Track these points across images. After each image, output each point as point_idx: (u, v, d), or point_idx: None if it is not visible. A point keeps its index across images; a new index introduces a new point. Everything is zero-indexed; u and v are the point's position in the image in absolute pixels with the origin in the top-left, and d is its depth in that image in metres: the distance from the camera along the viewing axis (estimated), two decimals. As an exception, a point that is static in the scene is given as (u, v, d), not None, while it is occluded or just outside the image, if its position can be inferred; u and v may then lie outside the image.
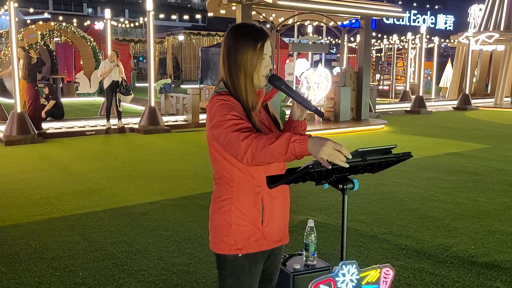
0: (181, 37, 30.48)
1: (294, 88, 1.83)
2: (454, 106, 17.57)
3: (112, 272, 3.54)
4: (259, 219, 1.80)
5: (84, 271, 3.54)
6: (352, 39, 20.86)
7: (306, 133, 1.68)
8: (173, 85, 14.59)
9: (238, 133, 1.59)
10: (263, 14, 10.86)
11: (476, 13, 22.53)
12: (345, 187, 1.65)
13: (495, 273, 3.50)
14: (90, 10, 54.02)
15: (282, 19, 11.25)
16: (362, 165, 1.59)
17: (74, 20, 19.22)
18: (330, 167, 1.46)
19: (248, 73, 1.75)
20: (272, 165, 1.78)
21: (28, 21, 20.50)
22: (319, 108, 1.86)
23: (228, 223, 1.79)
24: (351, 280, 1.66)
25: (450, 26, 60.04)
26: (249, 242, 1.80)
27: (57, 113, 11.36)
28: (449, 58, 26.66)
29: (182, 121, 11.91)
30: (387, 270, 1.74)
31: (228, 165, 1.78)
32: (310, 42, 11.22)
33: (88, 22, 22.23)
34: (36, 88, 9.94)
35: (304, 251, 2.57)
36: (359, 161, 1.55)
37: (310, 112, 1.83)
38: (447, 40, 24.28)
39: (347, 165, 1.48)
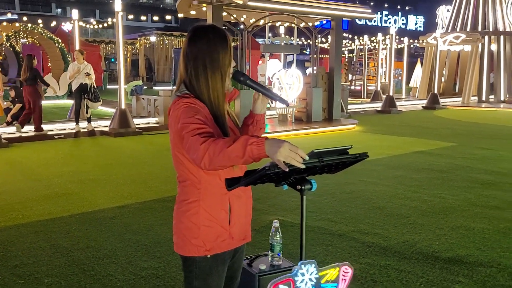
0: (153, 38, 30.18)
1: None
2: (424, 105, 17.96)
3: (79, 278, 3.48)
4: (226, 220, 1.82)
5: (50, 278, 3.47)
6: (323, 40, 21.08)
7: (263, 135, 1.70)
8: (144, 87, 14.45)
9: (198, 137, 1.60)
10: (234, 15, 10.87)
11: (443, 14, 23.09)
12: (303, 187, 1.67)
13: (457, 267, 3.60)
14: (59, 10, 52.92)
15: (253, 20, 11.27)
16: (319, 166, 1.62)
17: (39, 21, 18.74)
18: (287, 169, 1.48)
19: (224, 73, 1.77)
20: (236, 166, 1.79)
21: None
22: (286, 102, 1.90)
23: (196, 225, 1.79)
24: (310, 279, 1.68)
25: (420, 27, 61.28)
26: (217, 243, 1.82)
27: (24, 117, 11.08)
28: (419, 58, 27.23)
29: (154, 123, 11.81)
30: (345, 268, 1.77)
31: (194, 168, 1.77)
32: (282, 43, 11.29)
33: (55, 22, 21.75)
34: (38, 90, 10.09)
35: (269, 252, 2.59)
36: (315, 162, 1.58)
37: (274, 103, 1.89)
38: (417, 41, 24.79)
39: (303, 166, 1.50)
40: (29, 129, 10.38)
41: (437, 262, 3.69)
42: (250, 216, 1.97)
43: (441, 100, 18.32)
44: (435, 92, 18.04)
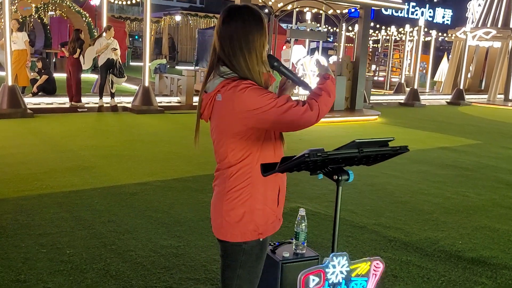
0: (178, 18, 30.11)
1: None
2: (448, 100, 17.62)
3: (100, 251, 3.52)
4: (276, 201, 1.83)
5: (71, 249, 3.52)
6: (350, 28, 20.75)
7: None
8: (168, 66, 14.45)
9: (298, 107, 1.67)
10: (263, -2, 10.74)
11: (475, 8, 22.48)
12: (340, 178, 1.63)
13: (481, 268, 3.53)
14: (86, -15, 53.08)
15: (281, 4, 11.13)
16: (358, 157, 1.57)
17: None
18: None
19: (259, 55, 1.73)
20: (280, 154, 1.83)
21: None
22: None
23: (250, 209, 1.77)
24: (341, 272, 1.66)
25: (447, 20, 59.86)
26: (268, 225, 1.82)
27: (49, 88, 11.23)
28: (445, 53, 26.67)
29: (176, 102, 11.83)
30: (377, 263, 1.74)
31: (248, 151, 1.73)
32: (308, 29, 11.14)
33: (82, -4, 21.85)
34: (79, 61, 10.37)
35: (294, 240, 2.57)
36: (355, 152, 1.54)
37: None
38: (445, 34, 24.24)
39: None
40: (53, 101, 10.51)
41: (460, 262, 3.63)
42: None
43: (466, 97, 17.95)
44: (461, 87, 17.67)
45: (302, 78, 1.85)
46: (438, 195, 5.41)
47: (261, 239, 1.82)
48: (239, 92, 1.66)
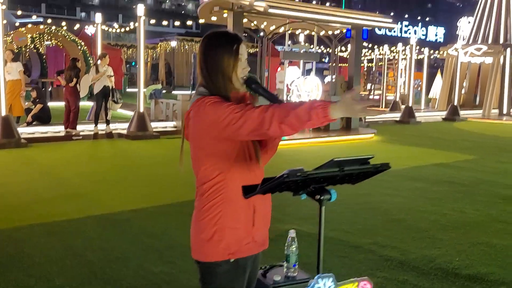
0: (173, 43, 30.43)
1: (270, 91, 1.81)
2: (443, 117, 17.68)
3: (89, 280, 3.45)
4: (251, 221, 1.80)
5: (61, 279, 3.45)
6: (343, 48, 20.98)
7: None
8: (163, 91, 14.52)
9: (255, 109, 1.60)
10: (255, 22, 10.86)
11: (465, 25, 22.79)
12: (322, 197, 1.61)
13: (479, 285, 3.47)
14: (83, 14, 53.85)
15: (273, 27, 11.26)
16: (340, 175, 1.55)
17: (63, 24, 19.07)
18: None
19: (226, 75, 1.78)
20: (257, 173, 1.80)
21: (17, 24, 20.35)
22: None
23: (221, 227, 1.76)
24: (327, 294, 1.61)
25: (440, 38, 60.69)
26: (241, 246, 1.79)
27: (44, 117, 11.24)
28: (439, 69, 26.90)
29: (172, 127, 11.83)
30: (364, 284, 1.70)
31: (219, 169, 1.75)
32: (301, 51, 11.23)
33: (78, 25, 22.11)
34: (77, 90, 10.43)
35: (285, 262, 2.52)
36: (336, 171, 1.51)
37: None
38: (437, 52, 24.50)
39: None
40: (48, 130, 10.50)
41: (457, 279, 3.57)
42: (269, 221, 1.95)
43: (461, 112, 18.02)
44: (455, 103, 17.75)
45: (282, 100, 1.82)
46: (435, 212, 5.36)
47: (231, 260, 1.78)
48: (203, 105, 1.72)
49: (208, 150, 1.76)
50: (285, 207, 5.31)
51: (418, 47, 20.89)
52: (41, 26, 18.16)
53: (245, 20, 10.37)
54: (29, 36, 17.52)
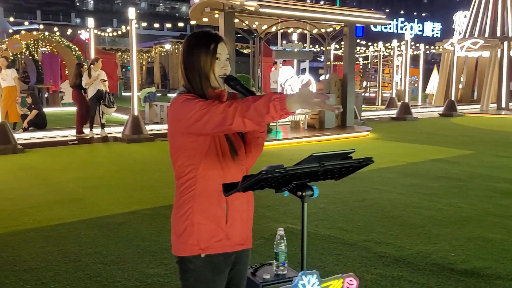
0: (167, 46, 30.41)
1: (251, 89, 1.81)
2: (440, 112, 17.68)
3: (85, 284, 3.44)
4: (223, 218, 1.80)
5: (56, 283, 3.45)
6: (337, 46, 20.97)
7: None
8: (158, 94, 14.51)
9: (217, 105, 1.62)
10: (246, 22, 10.86)
11: (461, 19, 22.79)
12: (304, 194, 1.60)
13: (474, 280, 3.46)
14: (78, 20, 53.82)
15: (265, 26, 11.25)
16: (321, 171, 1.54)
17: (55, 29, 19.08)
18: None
19: (203, 74, 1.80)
20: (233, 170, 1.80)
21: (11, 31, 20.33)
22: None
23: (191, 223, 1.79)
24: (312, 291, 1.60)
25: (437, 33, 60.70)
26: (212, 242, 1.79)
27: (40, 123, 11.24)
28: (435, 65, 26.91)
29: (166, 129, 11.79)
30: (350, 280, 1.69)
31: (190, 165, 1.79)
32: (294, 50, 11.22)
33: (70, 31, 22.11)
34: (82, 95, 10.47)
35: (274, 261, 2.51)
36: (316, 166, 1.50)
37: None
38: (433, 47, 24.50)
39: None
40: (44, 135, 10.49)
41: (453, 274, 3.56)
42: (251, 220, 1.92)
43: (459, 107, 18.02)
44: (452, 99, 17.76)
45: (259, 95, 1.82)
46: (430, 207, 5.35)
47: (202, 255, 1.78)
48: (176, 103, 1.76)
49: (180, 146, 1.80)
50: (280, 206, 5.30)
51: (413, 43, 20.91)
52: (35, 33, 18.14)
53: (236, 20, 10.36)
54: (24, 42, 17.50)
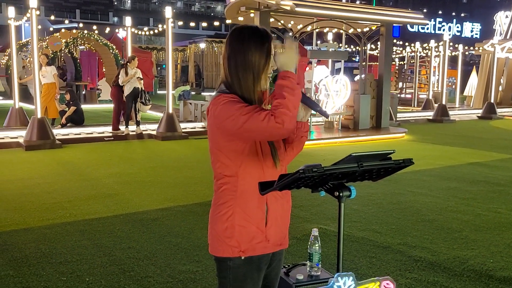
0: (202, 45, 30.70)
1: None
2: (479, 115, 17.14)
3: (118, 278, 3.50)
4: (263, 221, 1.78)
5: (91, 276, 3.52)
6: (373, 46, 20.65)
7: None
8: (192, 92, 14.65)
9: (260, 114, 1.63)
10: (282, 21, 10.82)
11: (502, 20, 22.02)
12: (341, 194, 1.57)
13: (514, 288, 3.33)
14: (115, 19, 55.07)
15: (300, 26, 11.18)
16: (359, 171, 1.51)
17: (94, 27, 19.55)
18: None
19: (256, 74, 1.76)
20: (273, 172, 1.78)
21: (51, 29, 20.96)
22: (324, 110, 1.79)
23: (231, 225, 1.77)
24: (347, 293, 1.57)
25: (476, 34, 59.01)
26: (252, 244, 1.77)
27: (77, 119, 11.53)
28: (474, 66, 26.12)
29: (200, 128, 11.93)
30: (387, 283, 1.65)
31: (232, 165, 1.76)
32: (330, 50, 11.11)
33: (108, 29, 22.62)
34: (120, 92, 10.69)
35: (308, 261, 2.48)
36: (354, 166, 1.47)
37: (315, 113, 1.79)
38: (472, 48, 23.79)
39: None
40: (81, 131, 10.77)
41: (491, 281, 3.44)
42: (288, 221, 1.91)
43: (498, 110, 17.43)
44: (492, 101, 17.19)
45: (311, 98, 1.81)
46: (468, 212, 5.19)
47: (242, 257, 1.77)
48: (217, 103, 1.72)
49: (221, 147, 1.77)
50: (312, 206, 5.26)
51: (452, 44, 20.35)
52: (74, 31, 18.65)
53: (271, 20, 10.34)
54: (63, 41, 18.02)
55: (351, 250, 4.01)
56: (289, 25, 11.26)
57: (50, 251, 3.99)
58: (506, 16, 21.73)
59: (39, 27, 9.92)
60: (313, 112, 1.84)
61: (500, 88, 21.56)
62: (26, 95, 16.58)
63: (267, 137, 1.66)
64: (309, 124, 1.85)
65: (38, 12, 9.28)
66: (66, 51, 19.42)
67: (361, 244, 4.17)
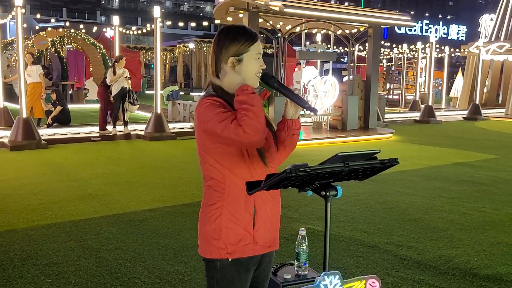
0: (191, 45, 30.63)
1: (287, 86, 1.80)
2: (464, 116, 17.36)
3: (105, 279, 3.48)
4: (251, 223, 1.78)
5: (77, 278, 3.49)
6: (361, 47, 20.80)
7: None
8: (180, 92, 14.60)
9: (230, 123, 1.65)
10: (270, 22, 10.84)
11: (487, 23, 22.33)
12: (327, 194, 1.58)
13: (497, 286, 3.38)
14: (103, 18, 54.66)
15: (289, 26, 11.22)
16: (345, 171, 1.52)
17: (81, 26, 19.39)
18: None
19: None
20: (259, 172, 1.78)
21: (37, 28, 20.75)
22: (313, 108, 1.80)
23: (218, 226, 1.77)
24: (334, 292, 1.58)
25: (462, 36, 59.72)
26: (240, 246, 1.78)
27: (64, 119, 11.43)
28: (460, 68, 26.43)
29: (189, 128, 11.90)
30: (372, 281, 1.66)
31: (219, 167, 1.76)
32: (318, 50, 11.16)
33: (96, 28, 22.44)
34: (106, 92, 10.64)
35: (295, 261, 2.49)
36: (340, 166, 1.49)
37: (304, 110, 1.80)
38: (458, 50, 24.08)
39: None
40: (67, 131, 10.67)
41: (475, 279, 3.49)
42: (278, 223, 1.91)
43: (483, 111, 17.66)
44: (477, 102, 17.41)
45: (299, 95, 1.82)
46: (453, 211, 5.26)
47: (230, 259, 1.77)
48: (200, 106, 1.75)
49: (208, 149, 1.78)
50: (301, 206, 5.28)
51: (438, 46, 20.56)
52: (61, 30, 18.48)
53: (260, 20, 10.36)
54: (49, 39, 17.84)
55: (339, 250, 4.04)
56: (278, 26, 11.29)
57: (36, 253, 3.95)
58: (491, 19, 22.05)
59: (25, 25, 9.82)
60: (301, 112, 1.85)
61: (485, 90, 21.85)
62: (11, 95, 16.40)
63: (243, 146, 1.70)
64: (300, 122, 1.86)
65: (23, 10, 9.18)
66: (53, 50, 19.22)
67: (348, 244, 4.20)
